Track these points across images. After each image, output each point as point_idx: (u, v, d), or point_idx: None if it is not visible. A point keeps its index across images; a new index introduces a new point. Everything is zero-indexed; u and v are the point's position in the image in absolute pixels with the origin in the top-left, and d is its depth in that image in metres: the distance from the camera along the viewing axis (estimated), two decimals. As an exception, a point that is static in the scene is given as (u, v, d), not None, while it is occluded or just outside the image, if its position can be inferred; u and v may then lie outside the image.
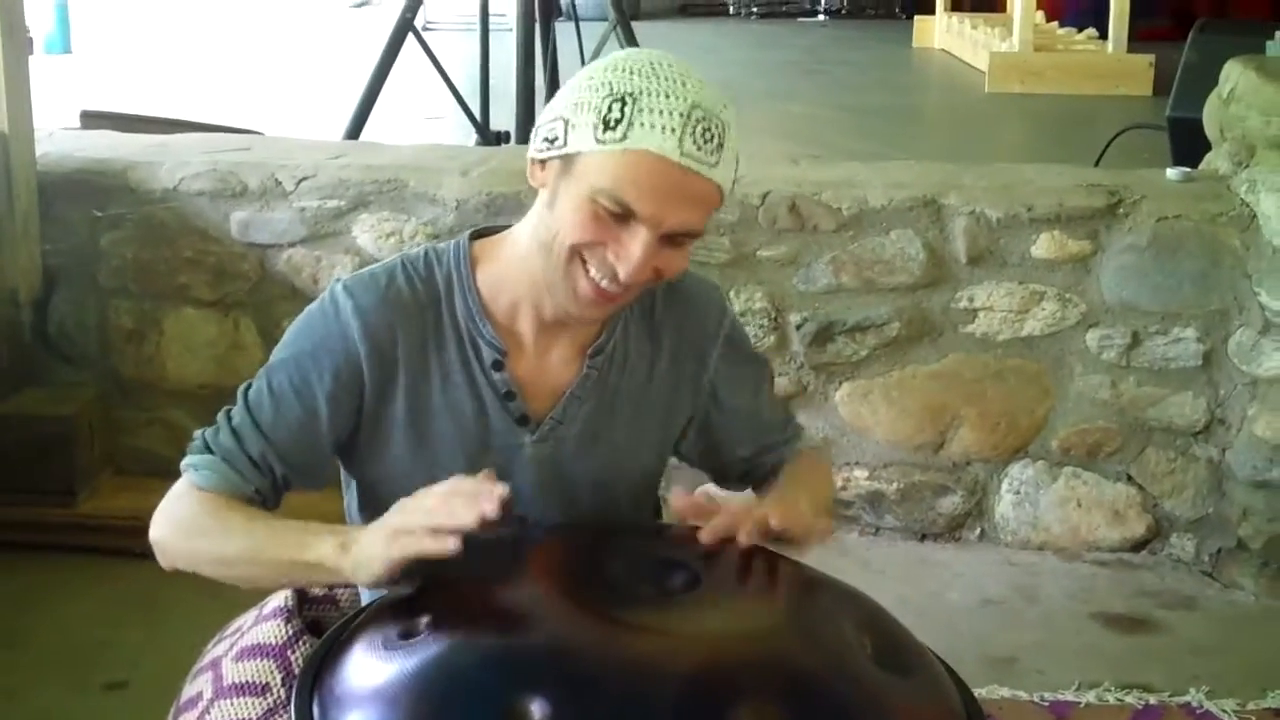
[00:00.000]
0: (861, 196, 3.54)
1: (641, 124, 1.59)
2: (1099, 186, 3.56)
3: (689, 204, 1.63)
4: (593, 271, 1.66)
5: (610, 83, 1.61)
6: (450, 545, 1.49)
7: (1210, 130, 3.83)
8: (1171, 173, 3.69)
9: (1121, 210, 3.50)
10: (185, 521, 1.72)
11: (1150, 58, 9.59)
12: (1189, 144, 4.16)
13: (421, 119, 7.69)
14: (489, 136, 5.22)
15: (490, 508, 1.50)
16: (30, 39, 7.31)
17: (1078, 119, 8.55)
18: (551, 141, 1.66)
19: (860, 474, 3.69)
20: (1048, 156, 4.79)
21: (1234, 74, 3.65)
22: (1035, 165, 3.92)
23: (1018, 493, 3.69)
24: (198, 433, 1.78)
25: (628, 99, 1.59)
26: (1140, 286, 3.52)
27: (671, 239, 1.65)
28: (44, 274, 3.72)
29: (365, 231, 3.61)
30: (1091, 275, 3.53)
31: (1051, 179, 3.67)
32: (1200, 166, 3.83)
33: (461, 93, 5.35)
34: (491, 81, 5.44)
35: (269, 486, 1.76)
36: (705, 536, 1.62)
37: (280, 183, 3.63)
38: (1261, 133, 3.53)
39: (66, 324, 3.76)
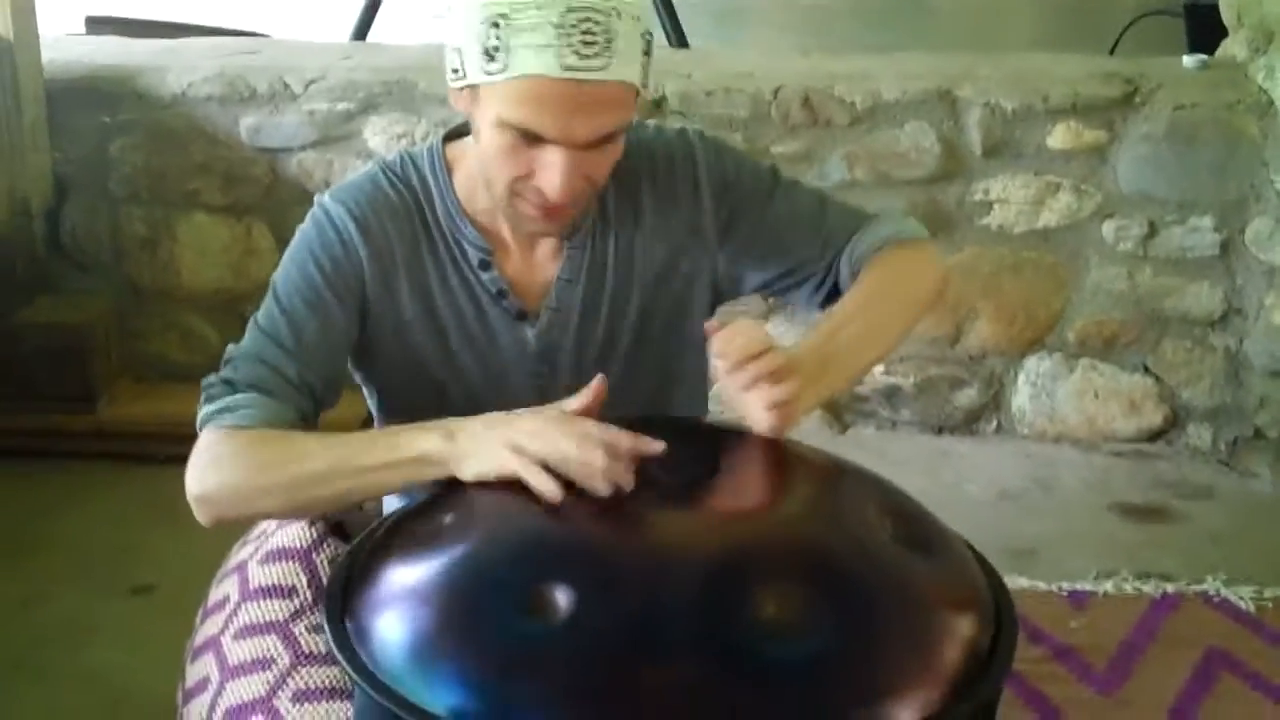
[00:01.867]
0: (875, 89, 3.51)
1: (518, 47, 1.52)
2: (1115, 75, 3.52)
3: (593, 112, 1.57)
4: (530, 197, 1.64)
5: (483, 3, 1.54)
6: (557, 497, 1.45)
7: (1227, 16, 3.78)
8: (1188, 60, 3.66)
9: (1138, 99, 3.47)
10: (246, 460, 1.62)
11: (1165, -58, 9.44)
12: (1206, 30, 4.10)
13: (428, 17, 7.60)
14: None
15: (627, 485, 1.45)
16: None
17: (1091, 6, 8.43)
18: (455, 72, 1.62)
19: (877, 368, 3.69)
20: (1062, 45, 4.73)
21: (1252, -43, 3.60)
22: (1050, 55, 3.89)
23: (1034, 385, 3.69)
24: (208, 381, 1.70)
25: (500, 21, 1.52)
26: (1157, 176, 3.49)
27: (594, 143, 1.61)
28: (55, 183, 3.72)
29: (376, 134, 3.59)
30: (1108, 165, 3.51)
31: (1066, 68, 3.63)
32: (1217, 54, 3.79)
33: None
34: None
35: (310, 408, 1.71)
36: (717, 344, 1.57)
37: (289, 86, 3.60)
38: (1280, 17, 3.49)
39: (79, 233, 3.75)
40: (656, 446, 1.48)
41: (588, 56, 1.52)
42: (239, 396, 1.67)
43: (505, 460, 1.49)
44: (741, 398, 1.57)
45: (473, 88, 1.60)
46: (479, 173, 1.70)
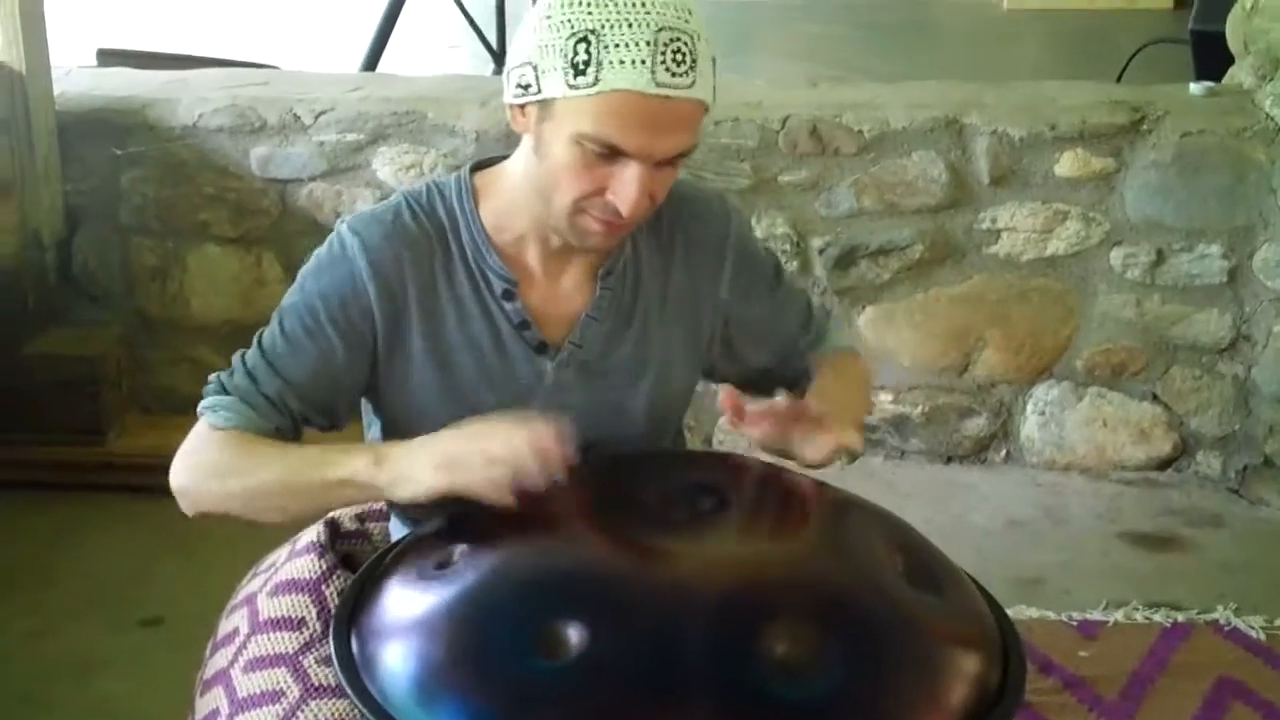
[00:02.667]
0: (882, 118, 3.52)
1: (610, 63, 1.55)
2: (1122, 103, 3.53)
3: (675, 129, 1.61)
4: (596, 213, 1.65)
5: (570, 20, 1.57)
6: (509, 500, 1.50)
7: (1234, 43, 3.79)
8: (1195, 87, 3.66)
9: (1145, 127, 3.47)
10: (211, 462, 1.70)
11: (1171, -30, 9.47)
12: (1212, 58, 4.11)
13: (438, 49, 7.64)
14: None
15: (561, 472, 1.51)
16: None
17: (1098, 34, 8.46)
18: (525, 88, 1.64)
19: (885, 397, 3.69)
20: (1069, 73, 4.73)
21: (1258, -14, 3.61)
22: (1057, 83, 3.89)
23: (1043, 413, 3.69)
24: (212, 376, 1.76)
25: (591, 37, 1.55)
26: (1164, 203, 3.49)
27: (665, 161, 1.64)
28: (66, 214, 3.73)
29: (385, 164, 3.60)
30: (1115, 193, 3.51)
31: (1074, 96, 3.64)
32: (1224, 81, 3.80)
33: (477, 21, 5.32)
34: (507, 8, 5.40)
35: (288, 425, 1.74)
36: (746, 417, 1.61)
37: (299, 117, 3.62)
38: (1286, 45, 3.50)
39: (90, 264, 3.77)
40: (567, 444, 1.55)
41: (678, 74, 1.56)
42: (224, 399, 1.72)
43: (437, 478, 1.54)
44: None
45: (545, 103, 1.62)
46: (536, 190, 1.70)
